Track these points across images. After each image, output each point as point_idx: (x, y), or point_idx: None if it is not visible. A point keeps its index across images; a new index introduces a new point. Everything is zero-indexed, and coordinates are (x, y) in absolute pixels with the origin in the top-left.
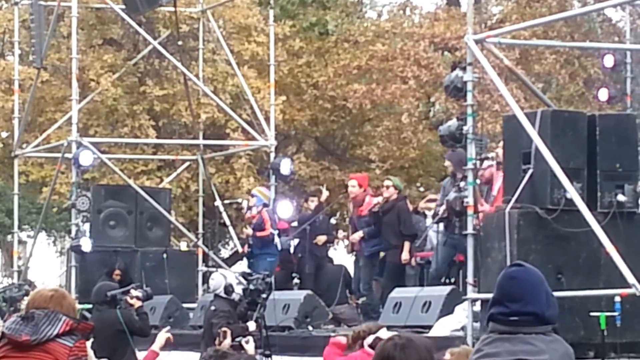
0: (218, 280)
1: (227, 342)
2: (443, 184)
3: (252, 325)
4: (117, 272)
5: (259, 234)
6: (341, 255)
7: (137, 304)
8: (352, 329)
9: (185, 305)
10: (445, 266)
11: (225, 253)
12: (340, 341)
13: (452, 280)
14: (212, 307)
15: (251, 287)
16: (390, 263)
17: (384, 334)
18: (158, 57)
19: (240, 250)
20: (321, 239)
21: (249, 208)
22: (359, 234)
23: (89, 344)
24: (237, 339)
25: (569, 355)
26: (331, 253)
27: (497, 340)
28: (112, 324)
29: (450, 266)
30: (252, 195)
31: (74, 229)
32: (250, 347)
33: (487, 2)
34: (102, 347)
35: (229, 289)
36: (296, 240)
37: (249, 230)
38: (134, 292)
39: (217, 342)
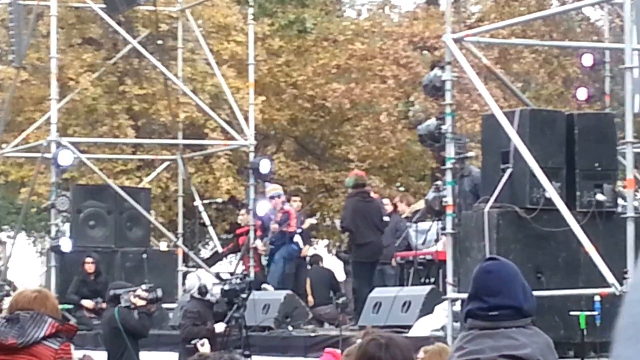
0: (192, 281)
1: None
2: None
3: (219, 327)
4: (88, 260)
5: (285, 229)
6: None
7: (139, 302)
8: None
9: (165, 305)
10: None
11: (205, 253)
12: (335, 351)
13: (432, 280)
14: (184, 309)
15: (225, 287)
16: (355, 263)
17: None
18: (137, 56)
19: (220, 250)
20: (275, 227)
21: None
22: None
23: (72, 346)
24: (193, 342)
25: (550, 347)
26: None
27: (479, 337)
28: (109, 321)
29: None
30: (278, 196)
31: (53, 229)
32: (205, 350)
33: (465, 1)
34: (103, 345)
35: (202, 290)
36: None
37: (275, 226)
38: (138, 292)
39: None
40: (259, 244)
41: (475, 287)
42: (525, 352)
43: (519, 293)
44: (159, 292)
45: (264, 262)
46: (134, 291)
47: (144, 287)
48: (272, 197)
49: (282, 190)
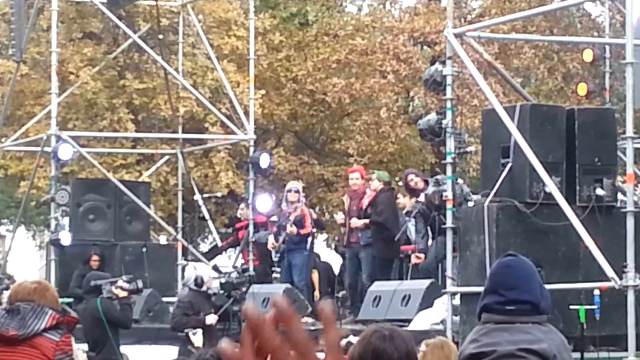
0: (189, 272)
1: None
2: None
3: (210, 319)
4: (94, 257)
5: (302, 231)
6: (319, 250)
7: (121, 294)
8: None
9: (164, 299)
10: (435, 261)
11: (204, 247)
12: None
13: None
14: (177, 298)
15: (222, 280)
16: (377, 257)
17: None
18: (138, 50)
19: (219, 244)
20: (292, 230)
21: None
22: (363, 221)
23: (73, 338)
24: (185, 330)
25: (565, 344)
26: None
27: (495, 331)
28: (92, 313)
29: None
30: (297, 191)
31: (53, 222)
32: (196, 339)
33: None
34: (84, 336)
35: (198, 281)
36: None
37: (293, 229)
38: (120, 283)
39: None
40: (271, 239)
41: (492, 281)
42: (542, 347)
43: (536, 289)
44: (140, 283)
45: (275, 258)
46: (115, 282)
47: (124, 278)
48: (289, 190)
49: (302, 188)
